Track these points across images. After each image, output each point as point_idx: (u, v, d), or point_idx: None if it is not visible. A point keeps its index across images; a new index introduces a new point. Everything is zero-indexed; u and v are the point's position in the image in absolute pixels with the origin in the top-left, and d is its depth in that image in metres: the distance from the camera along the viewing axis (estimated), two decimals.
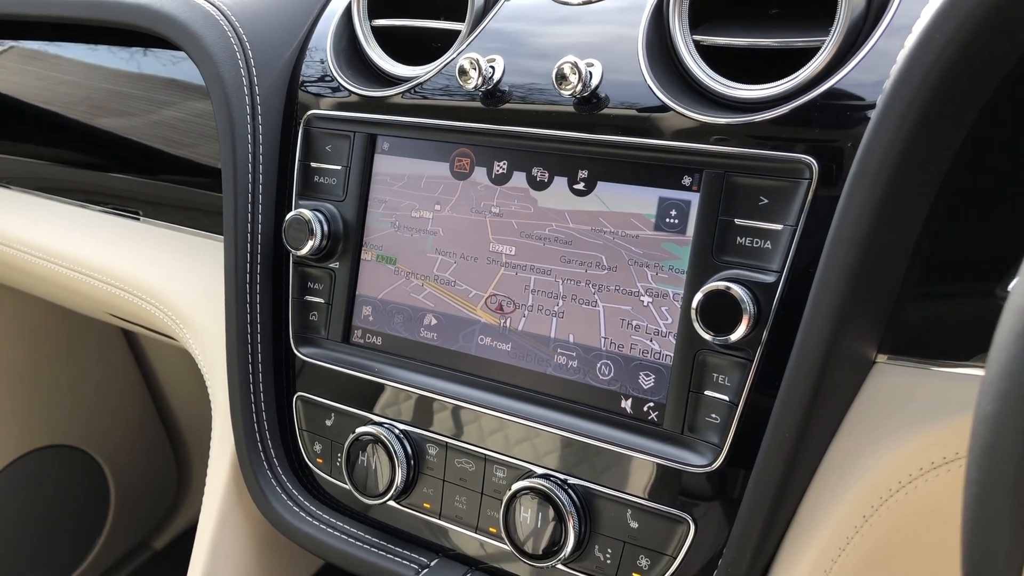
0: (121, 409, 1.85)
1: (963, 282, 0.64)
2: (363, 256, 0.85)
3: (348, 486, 0.83)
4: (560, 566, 0.73)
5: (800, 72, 0.65)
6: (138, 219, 1.12)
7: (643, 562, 0.70)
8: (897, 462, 0.63)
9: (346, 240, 0.85)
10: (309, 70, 0.90)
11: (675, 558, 0.69)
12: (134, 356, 1.87)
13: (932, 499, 0.64)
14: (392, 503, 0.82)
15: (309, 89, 0.89)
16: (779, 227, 0.64)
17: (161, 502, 1.97)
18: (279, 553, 0.96)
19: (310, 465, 0.88)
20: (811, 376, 0.61)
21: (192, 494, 1.99)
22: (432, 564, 0.81)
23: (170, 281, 1.02)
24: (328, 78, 0.88)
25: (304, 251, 0.84)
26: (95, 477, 1.83)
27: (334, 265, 0.86)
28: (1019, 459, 0.36)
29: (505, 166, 0.77)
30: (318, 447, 0.88)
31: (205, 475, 1.98)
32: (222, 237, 1.03)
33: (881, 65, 0.62)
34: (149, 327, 1.17)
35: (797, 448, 0.62)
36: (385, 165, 0.84)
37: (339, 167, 0.86)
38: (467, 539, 0.80)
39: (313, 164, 0.87)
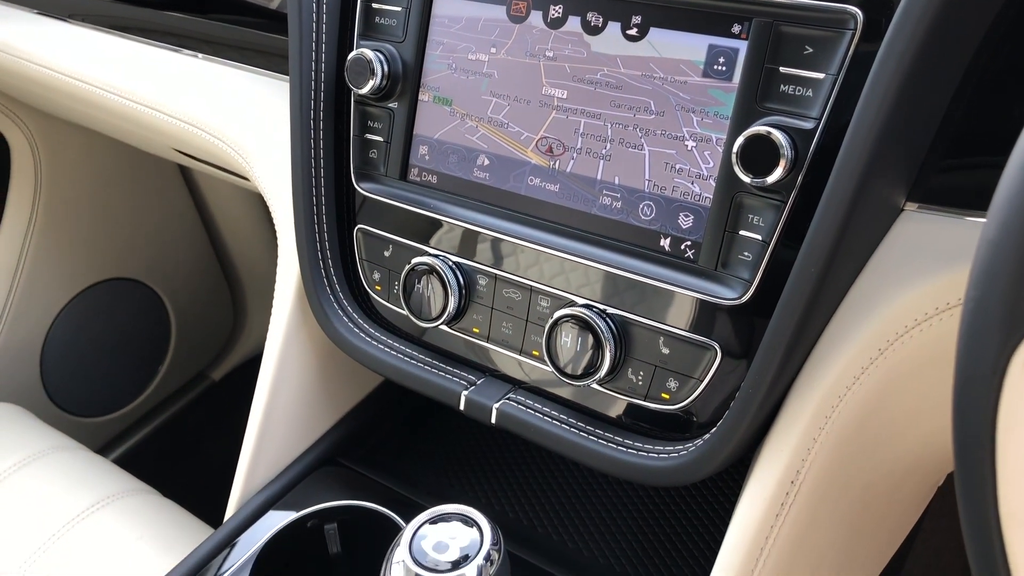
0: (181, 247, 1.94)
1: (994, 134, 0.68)
2: (420, 97, 0.90)
3: (404, 311, 0.91)
4: (595, 385, 0.81)
5: None
6: (196, 57, 1.17)
7: (672, 384, 0.77)
8: (914, 302, 0.68)
9: (405, 81, 0.89)
10: None
11: (701, 381, 0.76)
12: (192, 198, 1.95)
13: (944, 337, 0.69)
14: (444, 327, 0.90)
15: None
16: (821, 76, 0.67)
17: (218, 337, 2.09)
18: (339, 372, 1.05)
19: (369, 292, 0.96)
20: (839, 218, 0.66)
21: (247, 330, 2.11)
22: (479, 382, 0.89)
23: (235, 118, 1.07)
24: None
25: (365, 90, 0.89)
26: (157, 310, 1.95)
27: (393, 105, 0.91)
28: (1011, 277, 0.41)
29: (560, 10, 0.80)
30: (377, 275, 0.95)
31: (259, 313, 2.08)
32: (278, 75, 1.08)
33: None
34: (214, 162, 1.23)
35: (821, 283, 0.67)
36: (444, 7, 0.87)
37: (399, 8, 0.89)
38: (512, 361, 0.87)
39: (375, 5, 0.91)
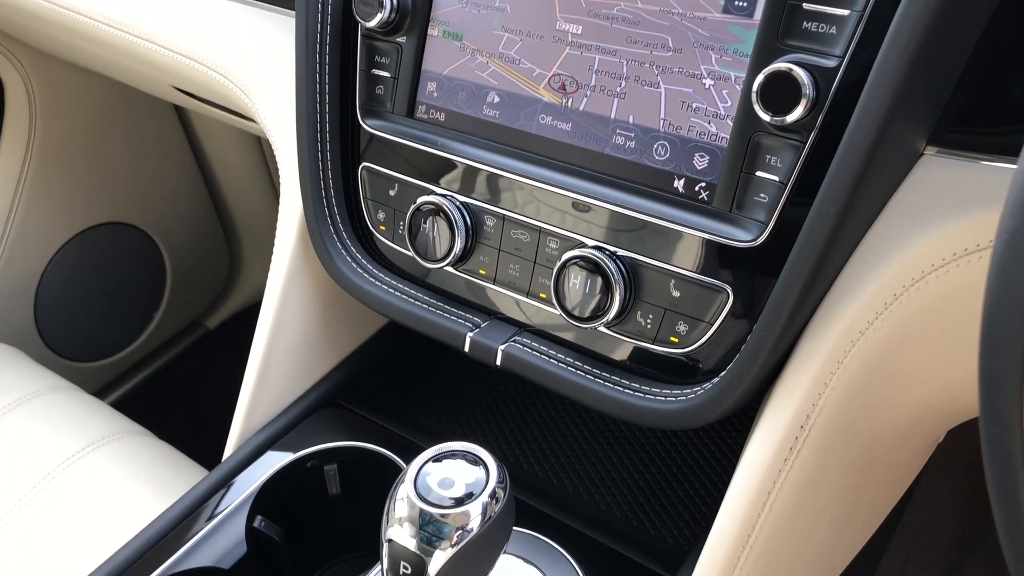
0: (177, 193, 1.92)
1: (1020, 79, 0.66)
2: (430, 31, 0.87)
3: (409, 252, 0.89)
4: (602, 328, 0.80)
5: None
6: None
7: (681, 327, 0.76)
8: (933, 247, 0.67)
9: (414, 14, 0.87)
10: None
11: (712, 324, 0.74)
12: (190, 144, 1.92)
13: (961, 284, 0.68)
14: (449, 268, 0.88)
15: None
16: (845, 12, 0.66)
17: (213, 285, 2.07)
18: (340, 313, 1.03)
19: (373, 232, 0.94)
20: (860, 159, 0.64)
21: (243, 280, 2.09)
22: (484, 324, 0.87)
23: (238, 53, 1.05)
24: None
25: (373, 23, 0.86)
26: (152, 256, 1.93)
27: (401, 39, 0.88)
28: None
29: None
30: (381, 215, 0.93)
31: (255, 263, 2.06)
32: (283, 10, 1.06)
33: None
34: (215, 100, 1.20)
35: (839, 225, 0.66)
36: None
37: None
38: (518, 303, 0.86)
39: None
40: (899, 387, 0.76)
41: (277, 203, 1.01)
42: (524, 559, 0.84)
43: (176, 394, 1.98)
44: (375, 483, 0.95)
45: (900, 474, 1.05)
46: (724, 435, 0.99)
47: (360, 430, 0.97)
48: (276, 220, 1.00)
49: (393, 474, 0.92)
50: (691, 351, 0.76)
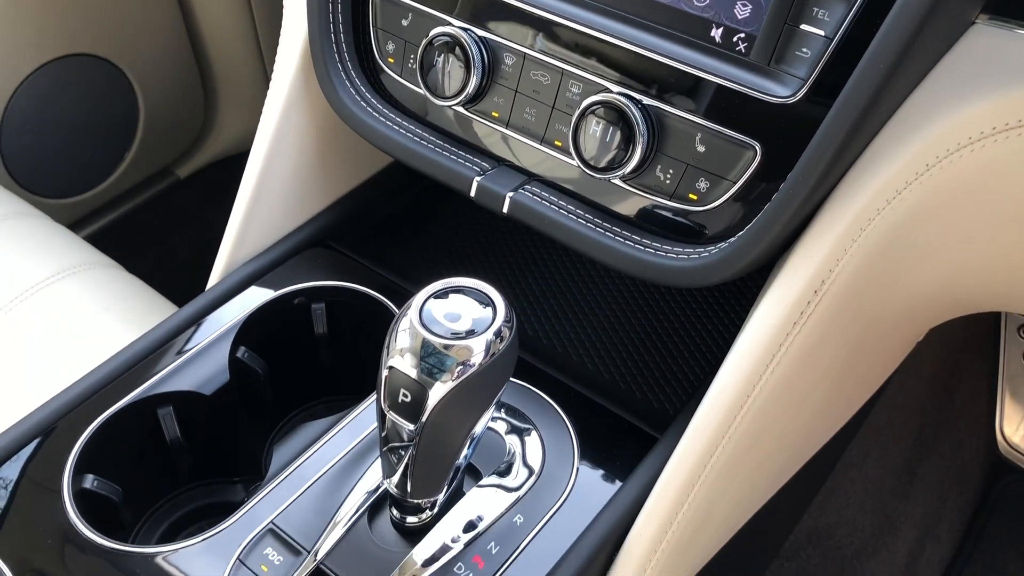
0: (155, 31, 1.82)
1: None
2: None
3: (418, 88, 0.85)
4: (617, 181, 0.77)
5: None
6: None
7: (702, 184, 0.74)
8: (972, 118, 0.65)
9: None
10: None
11: (735, 183, 0.72)
12: None
13: (995, 161, 0.66)
14: (460, 108, 0.84)
15: None
16: None
17: (187, 133, 2.00)
18: (339, 150, 0.99)
19: (380, 64, 0.89)
20: (914, 20, 0.61)
21: (217, 130, 2.01)
22: (493, 170, 0.84)
23: None
24: None
25: None
26: (126, 94, 1.84)
27: None
28: None
29: None
30: (391, 47, 0.88)
31: (230, 113, 1.99)
32: None
33: None
34: None
35: (882, 87, 0.64)
36: None
37: None
38: (531, 150, 0.82)
39: None
40: (911, 264, 0.76)
41: (257, 54, 0.95)
42: (521, 427, 0.82)
43: (146, 237, 1.93)
44: (361, 326, 0.93)
45: (881, 366, 1.06)
46: (717, 308, 0.98)
47: (350, 272, 0.95)
48: (255, 72, 0.94)
49: (381, 318, 0.90)
50: (709, 209, 0.74)
